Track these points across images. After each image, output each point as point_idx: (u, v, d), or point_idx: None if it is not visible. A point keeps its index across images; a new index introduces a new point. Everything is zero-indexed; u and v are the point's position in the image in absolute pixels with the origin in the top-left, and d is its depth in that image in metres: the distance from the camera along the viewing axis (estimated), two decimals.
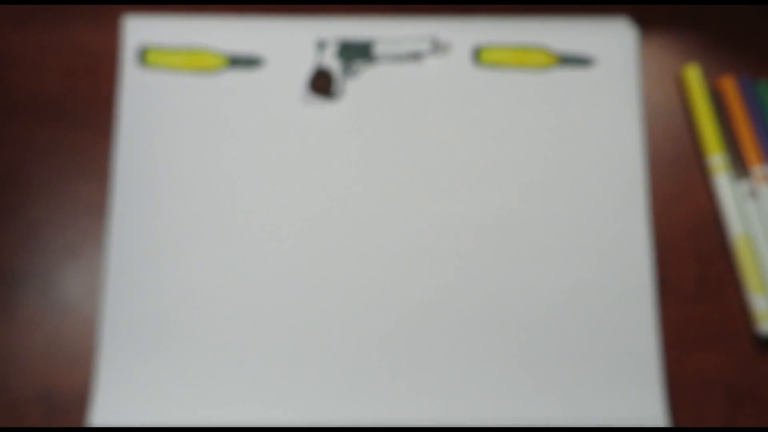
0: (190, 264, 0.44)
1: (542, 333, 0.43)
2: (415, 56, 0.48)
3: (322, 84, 0.47)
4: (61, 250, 0.45)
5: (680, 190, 0.46)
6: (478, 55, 0.47)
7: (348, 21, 0.48)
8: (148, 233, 0.45)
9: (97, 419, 0.42)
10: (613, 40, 0.48)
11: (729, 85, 0.47)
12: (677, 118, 0.48)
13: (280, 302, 0.44)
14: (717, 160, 0.46)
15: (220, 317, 0.44)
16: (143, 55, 0.47)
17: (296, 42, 0.48)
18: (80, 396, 0.43)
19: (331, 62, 0.47)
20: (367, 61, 0.47)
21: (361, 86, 0.47)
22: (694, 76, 0.47)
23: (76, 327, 0.44)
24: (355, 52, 0.47)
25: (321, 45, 0.48)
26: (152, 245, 0.44)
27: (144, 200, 0.45)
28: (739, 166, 0.46)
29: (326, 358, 0.43)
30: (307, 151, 0.46)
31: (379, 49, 0.47)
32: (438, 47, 0.47)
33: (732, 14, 0.49)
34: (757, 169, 0.46)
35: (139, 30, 0.48)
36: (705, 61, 0.48)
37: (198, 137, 0.46)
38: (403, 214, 0.45)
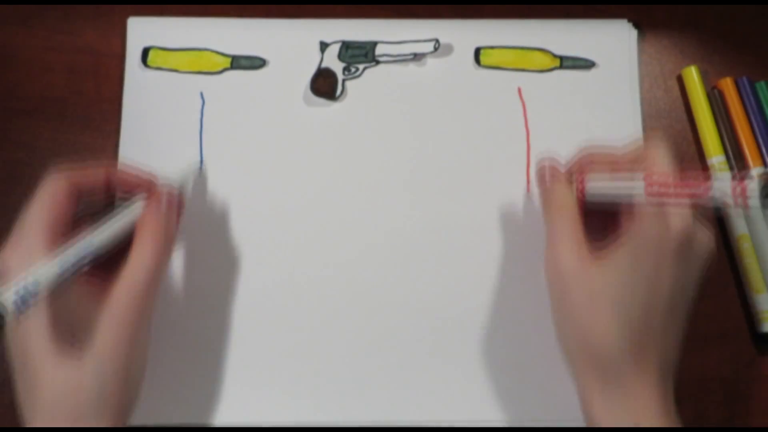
0: (191, 263, 0.44)
1: (543, 331, 0.43)
2: (416, 58, 0.48)
3: (324, 85, 0.47)
4: None
5: None
6: (479, 56, 0.48)
7: (350, 23, 0.48)
8: None
9: None
10: (614, 42, 0.48)
11: (728, 87, 0.48)
12: (677, 120, 0.48)
13: (280, 301, 0.44)
14: (717, 161, 0.46)
15: (221, 317, 0.44)
16: (146, 57, 0.48)
17: (298, 44, 0.48)
18: None
19: (334, 64, 0.48)
20: (369, 63, 0.48)
21: (363, 88, 0.47)
22: (693, 77, 0.48)
23: None
24: (358, 54, 0.48)
25: (323, 47, 0.48)
26: None
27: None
28: (739, 167, 0.46)
29: (326, 357, 0.43)
30: (309, 152, 0.46)
31: (381, 50, 0.48)
32: (439, 49, 0.48)
33: (731, 15, 0.50)
34: (756, 170, 0.46)
35: (142, 31, 0.48)
36: (705, 62, 0.49)
37: (200, 138, 0.46)
38: (404, 215, 0.45)
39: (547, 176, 0.40)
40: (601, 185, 0.38)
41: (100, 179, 0.39)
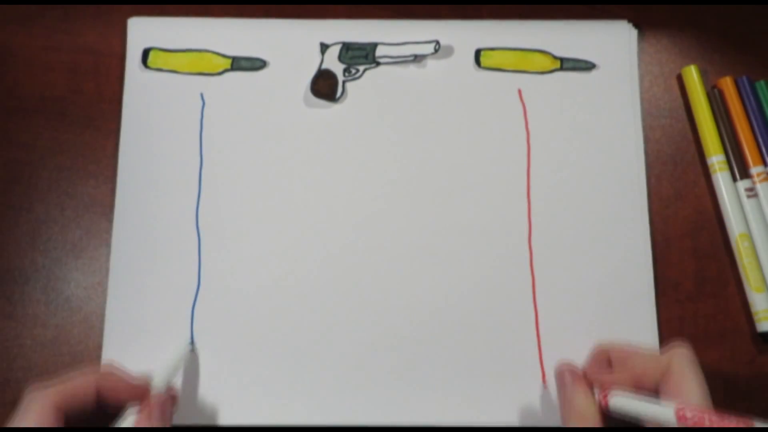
0: (192, 263, 0.44)
1: (543, 332, 0.44)
2: (417, 59, 0.48)
3: (324, 87, 0.47)
4: (67, 249, 0.45)
5: (680, 190, 0.47)
6: (479, 58, 0.48)
7: (350, 24, 0.48)
8: (152, 232, 0.45)
9: None
10: (614, 43, 0.48)
11: (728, 86, 0.48)
12: (677, 119, 0.48)
13: (279, 302, 0.44)
14: (716, 160, 0.46)
15: (222, 316, 0.44)
16: (147, 58, 0.48)
17: (299, 45, 0.48)
18: None
19: (334, 65, 0.48)
20: (369, 64, 0.48)
21: (363, 89, 0.47)
22: (693, 77, 0.48)
23: (81, 325, 0.44)
24: (358, 55, 0.48)
25: (323, 48, 0.48)
26: (156, 244, 0.45)
27: (147, 199, 0.45)
28: (739, 166, 0.46)
29: (325, 358, 0.43)
30: (309, 153, 0.46)
31: (382, 52, 0.48)
32: (440, 50, 0.48)
33: (731, 15, 0.50)
34: (756, 169, 0.46)
35: (142, 32, 0.48)
36: (704, 61, 0.49)
37: (200, 139, 0.46)
38: (405, 216, 0.45)
39: (567, 382, 0.38)
40: (625, 402, 0.36)
41: (90, 393, 0.35)
